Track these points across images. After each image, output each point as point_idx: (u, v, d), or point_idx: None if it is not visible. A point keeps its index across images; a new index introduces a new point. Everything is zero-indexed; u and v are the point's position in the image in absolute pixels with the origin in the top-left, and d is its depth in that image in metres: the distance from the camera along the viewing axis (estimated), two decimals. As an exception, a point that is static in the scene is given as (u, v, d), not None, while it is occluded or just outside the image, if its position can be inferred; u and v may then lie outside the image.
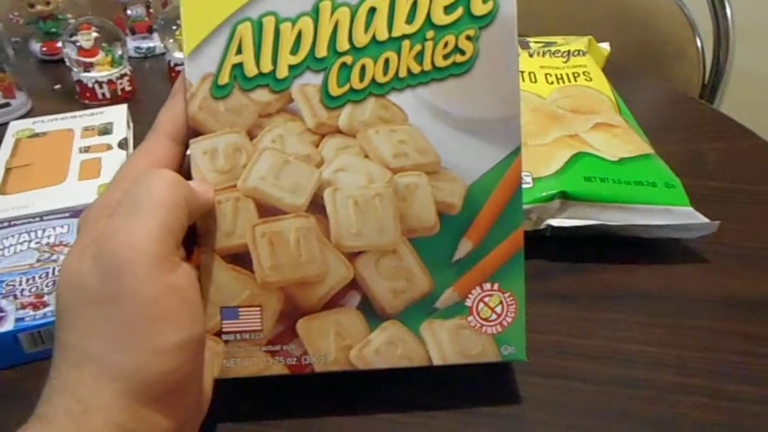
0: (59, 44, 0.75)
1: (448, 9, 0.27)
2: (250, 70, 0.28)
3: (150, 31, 0.80)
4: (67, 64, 0.66)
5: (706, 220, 0.40)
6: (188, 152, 0.28)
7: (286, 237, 0.28)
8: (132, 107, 0.62)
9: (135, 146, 0.55)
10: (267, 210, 0.28)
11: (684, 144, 0.56)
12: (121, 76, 0.67)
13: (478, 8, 0.27)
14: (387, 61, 0.28)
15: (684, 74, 0.87)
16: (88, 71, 0.66)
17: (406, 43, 0.28)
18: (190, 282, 0.25)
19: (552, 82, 0.51)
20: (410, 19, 0.27)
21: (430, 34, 0.28)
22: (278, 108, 0.28)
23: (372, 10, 0.27)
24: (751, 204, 0.48)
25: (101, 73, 0.66)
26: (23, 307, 0.36)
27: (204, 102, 0.28)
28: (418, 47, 0.28)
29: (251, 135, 0.28)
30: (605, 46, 0.59)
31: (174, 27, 0.68)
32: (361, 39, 0.27)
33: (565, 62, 0.53)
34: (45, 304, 0.36)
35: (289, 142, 0.28)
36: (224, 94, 0.28)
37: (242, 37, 0.27)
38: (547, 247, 0.41)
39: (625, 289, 0.40)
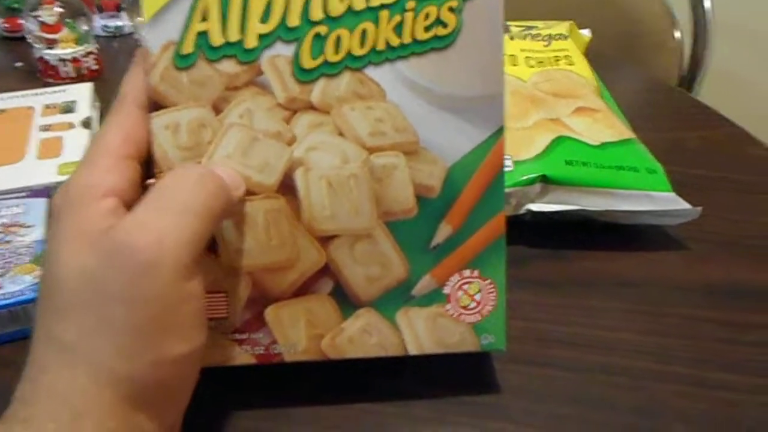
0: (21, 21, 0.71)
1: (429, -22, 0.26)
2: (216, 39, 0.26)
3: (118, 9, 0.77)
4: (29, 40, 0.63)
5: (688, 206, 0.40)
6: None
7: (255, 219, 0.26)
8: (99, 87, 0.59)
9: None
10: (234, 190, 0.26)
11: (664, 132, 0.56)
12: (87, 54, 0.64)
13: (461, -22, 0.26)
14: (364, 32, 0.26)
15: (663, 65, 0.87)
16: (51, 48, 0.63)
17: (385, 13, 0.26)
18: (202, 291, 0.23)
19: (533, 66, 0.50)
20: (389, -13, 0.26)
21: (410, 4, 0.26)
22: (246, 81, 0.26)
23: (348, -23, 0.26)
24: (731, 192, 0.48)
25: (65, 50, 0.63)
26: (-25, 292, 0.33)
27: (166, 72, 0.26)
28: (397, 18, 0.26)
29: (217, 109, 0.26)
30: (586, 33, 0.58)
31: (143, 4, 0.65)
32: (337, 8, 0.26)
33: (547, 46, 0.52)
34: (-2, 288, 0.33)
35: (257, 118, 0.26)
36: (188, 65, 0.26)
37: (208, 2, 0.25)
38: (527, 232, 0.40)
39: (605, 276, 0.39)
